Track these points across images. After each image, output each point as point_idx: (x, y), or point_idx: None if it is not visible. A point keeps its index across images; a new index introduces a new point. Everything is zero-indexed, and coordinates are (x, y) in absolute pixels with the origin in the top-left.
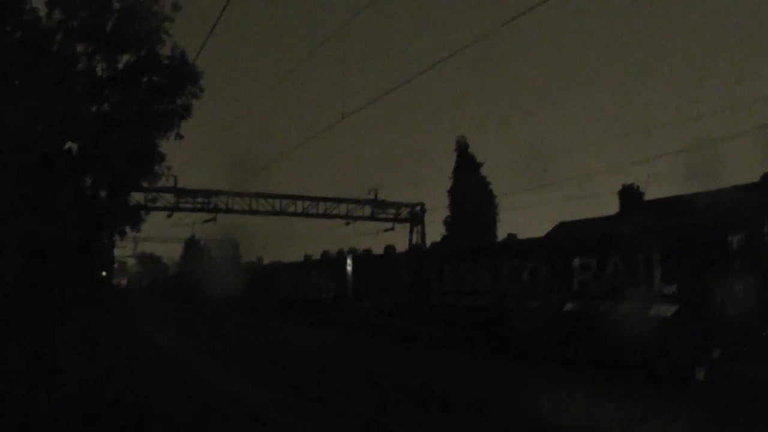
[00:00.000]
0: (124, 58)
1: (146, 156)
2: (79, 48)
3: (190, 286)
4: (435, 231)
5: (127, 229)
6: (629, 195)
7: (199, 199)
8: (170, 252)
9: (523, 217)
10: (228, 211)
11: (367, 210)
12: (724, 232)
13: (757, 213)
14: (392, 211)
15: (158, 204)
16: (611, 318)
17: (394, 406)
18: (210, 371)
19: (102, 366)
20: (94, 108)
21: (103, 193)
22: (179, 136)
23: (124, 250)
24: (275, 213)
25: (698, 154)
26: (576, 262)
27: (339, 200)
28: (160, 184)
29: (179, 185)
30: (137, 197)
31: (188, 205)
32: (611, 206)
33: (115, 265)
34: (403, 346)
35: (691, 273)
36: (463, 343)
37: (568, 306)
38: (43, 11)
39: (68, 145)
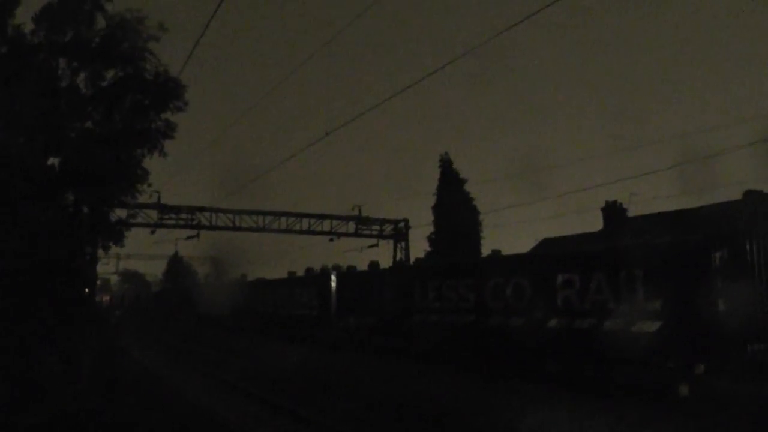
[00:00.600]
0: (109, 75)
1: (130, 173)
2: (63, 64)
3: (172, 304)
4: (419, 247)
5: (110, 244)
6: (613, 211)
7: (183, 216)
8: (154, 269)
9: (508, 233)
10: (211, 227)
11: (351, 226)
12: (707, 248)
13: (740, 230)
14: (376, 227)
15: (141, 220)
16: (595, 334)
17: (371, 423)
18: (190, 388)
19: (83, 387)
20: (77, 124)
21: (85, 209)
22: (163, 154)
23: (107, 267)
24: (259, 229)
25: (685, 169)
26: (560, 278)
27: (323, 216)
28: (144, 200)
29: (162, 201)
30: (119, 213)
31: (171, 222)
32: (595, 223)
33: (98, 282)
34: (385, 363)
35: (675, 289)
36: (447, 359)
37: (552, 322)
38: (28, 27)
39: (50, 161)
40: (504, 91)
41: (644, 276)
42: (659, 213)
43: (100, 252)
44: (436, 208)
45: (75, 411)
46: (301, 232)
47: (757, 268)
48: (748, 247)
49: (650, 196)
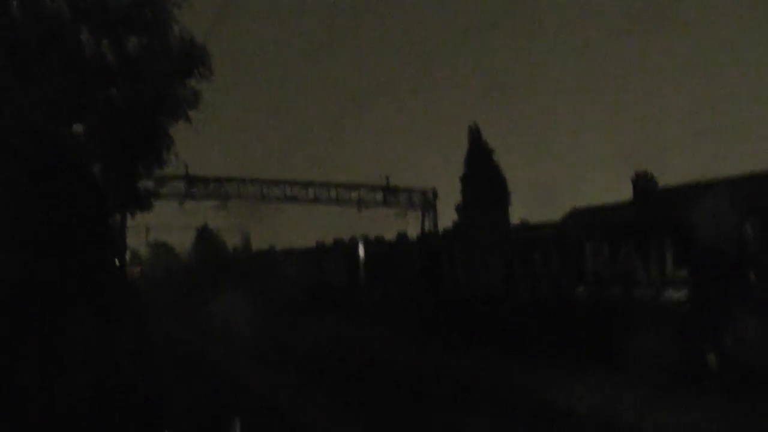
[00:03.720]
0: (132, 43)
1: (156, 141)
2: (86, 31)
3: (202, 276)
4: (447, 217)
5: (138, 211)
6: (643, 182)
7: (211, 187)
8: (183, 240)
9: (536, 203)
10: (240, 197)
11: (379, 196)
12: (739, 220)
13: None
14: (404, 197)
15: (169, 192)
16: (623, 302)
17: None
18: (226, 361)
19: (116, 362)
20: (101, 92)
21: (113, 178)
22: (189, 122)
23: (137, 239)
24: (287, 199)
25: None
26: (588, 247)
27: (351, 186)
28: (171, 172)
29: (190, 173)
30: (147, 185)
31: (200, 193)
32: (625, 193)
33: (128, 254)
34: (413, 334)
35: (705, 259)
36: (475, 330)
37: (580, 290)
38: None
39: (76, 129)
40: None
41: (673, 246)
42: (690, 184)
43: (130, 222)
44: (465, 178)
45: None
46: (329, 202)
47: None
48: None
49: (680, 167)
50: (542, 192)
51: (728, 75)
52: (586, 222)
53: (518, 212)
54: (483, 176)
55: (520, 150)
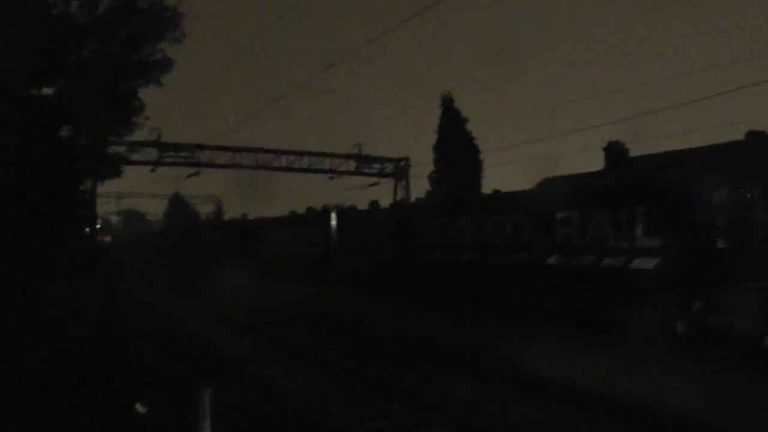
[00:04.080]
0: (103, 4)
1: (126, 105)
2: None
3: (174, 243)
4: (420, 186)
5: (108, 178)
6: (615, 151)
7: (183, 154)
8: (155, 208)
9: (508, 172)
10: (211, 165)
11: (352, 165)
12: (708, 187)
13: (741, 169)
14: (377, 165)
15: (141, 158)
16: (594, 271)
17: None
18: (198, 328)
19: (87, 322)
20: (71, 54)
21: (82, 142)
22: (159, 85)
23: (107, 207)
24: (259, 167)
25: (690, 108)
26: (559, 216)
27: (323, 155)
28: (143, 137)
29: (162, 139)
30: (119, 150)
31: (171, 160)
32: (598, 163)
33: (99, 222)
34: (386, 301)
35: (674, 227)
36: (447, 297)
37: (551, 259)
38: None
39: (44, 91)
40: (507, 28)
41: (644, 213)
42: (662, 153)
43: (99, 189)
44: (437, 147)
45: (76, 347)
46: (301, 170)
47: (757, 206)
48: (749, 185)
49: (654, 135)
50: (517, 163)
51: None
52: (557, 190)
53: (491, 182)
54: (455, 145)
55: (498, 121)
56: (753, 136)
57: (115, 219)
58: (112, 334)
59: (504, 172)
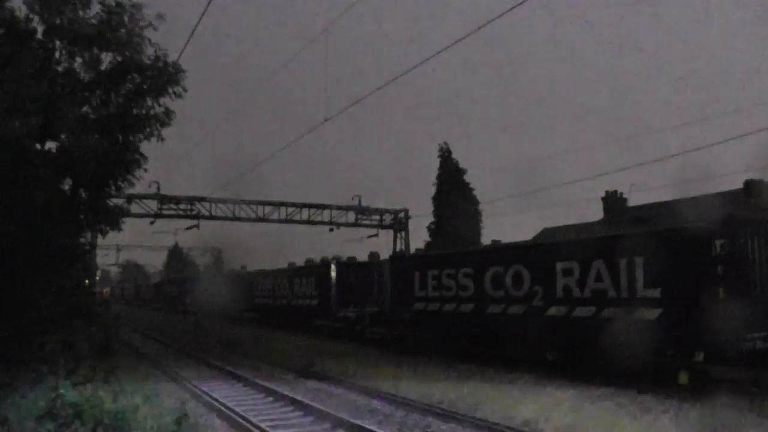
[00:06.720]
0: (106, 60)
1: (127, 158)
2: (59, 47)
3: (171, 295)
4: (419, 237)
5: (108, 229)
6: (613, 201)
7: (182, 206)
8: (154, 260)
9: (508, 224)
10: (211, 217)
11: (351, 216)
12: (708, 237)
13: (740, 218)
14: (376, 217)
15: (140, 210)
16: (595, 322)
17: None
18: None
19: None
20: (74, 109)
21: (83, 194)
22: (161, 139)
23: (107, 258)
24: (259, 220)
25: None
26: (559, 266)
27: (323, 206)
28: (143, 190)
29: (162, 192)
30: (118, 201)
31: (171, 212)
32: (595, 213)
33: (98, 272)
34: (384, 352)
35: (675, 277)
36: (447, 348)
37: (552, 311)
38: (23, 12)
39: (48, 145)
40: (504, 84)
41: (644, 264)
42: (659, 202)
43: (100, 240)
44: (436, 198)
45: None
46: (300, 222)
47: (757, 256)
48: (748, 236)
49: (650, 187)
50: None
51: None
52: (557, 240)
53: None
54: (454, 195)
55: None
56: (750, 185)
57: (114, 271)
58: None
59: (504, 222)
